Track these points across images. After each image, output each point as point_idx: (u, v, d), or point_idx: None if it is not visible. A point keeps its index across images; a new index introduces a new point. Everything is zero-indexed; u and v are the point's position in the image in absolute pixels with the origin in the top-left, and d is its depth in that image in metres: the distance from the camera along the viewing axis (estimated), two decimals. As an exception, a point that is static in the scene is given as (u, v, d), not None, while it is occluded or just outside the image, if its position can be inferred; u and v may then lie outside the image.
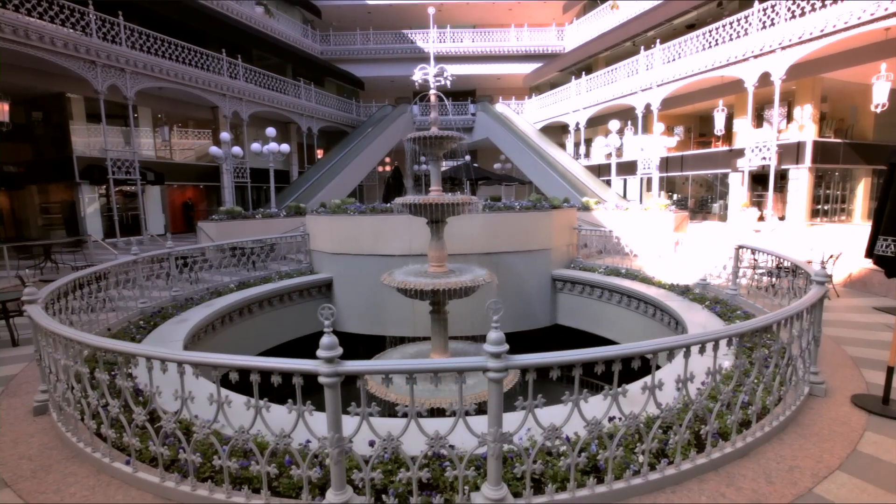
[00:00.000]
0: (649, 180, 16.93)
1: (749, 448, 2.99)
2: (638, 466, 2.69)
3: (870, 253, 3.55)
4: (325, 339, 2.20)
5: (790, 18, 11.95)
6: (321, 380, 2.22)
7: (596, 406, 2.71)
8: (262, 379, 2.38)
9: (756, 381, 3.15)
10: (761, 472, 2.79)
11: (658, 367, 2.62)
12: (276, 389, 2.53)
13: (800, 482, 2.70)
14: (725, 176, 16.91)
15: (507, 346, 2.25)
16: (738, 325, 2.88)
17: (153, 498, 2.66)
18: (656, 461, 2.74)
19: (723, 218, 16.85)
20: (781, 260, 6.05)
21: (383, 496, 2.51)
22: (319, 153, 23.74)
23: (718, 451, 2.87)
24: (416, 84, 6.71)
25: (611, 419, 2.87)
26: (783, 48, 12.09)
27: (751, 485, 2.67)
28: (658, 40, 16.30)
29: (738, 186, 15.49)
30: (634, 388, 3.02)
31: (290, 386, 2.36)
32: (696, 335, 2.69)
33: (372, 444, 2.46)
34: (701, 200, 19.19)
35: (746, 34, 13.10)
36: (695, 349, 2.65)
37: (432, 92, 6.56)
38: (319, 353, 2.20)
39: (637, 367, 2.51)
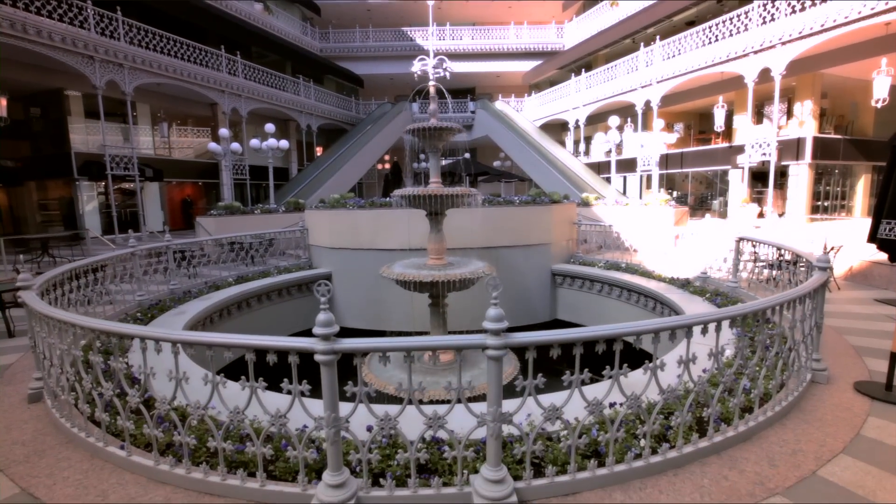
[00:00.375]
0: (649, 177, 16.89)
1: (751, 432, 2.96)
2: (639, 450, 2.65)
3: (872, 237, 3.51)
4: (322, 316, 2.17)
5: (790, 13, 11.92)
6: (317, 357, 2.18)
7: (597, 391, 2.68)
8: (257, 359, 2.35)
9: (758, 366, 3.11)
10: (764, 455, 2.76)
11: (657, 359, 2.58)
12: (271, 380, 2.50)
13: (803, 465, 2.66)
14: (725, 173, 16.90)
15: (506, 324, 2.21)
16: (742, 306, 2.84)
17: (147, 481, 2.62)
18: (658, 445, 2.71)
19: (723, 215, 16.83)
20: (782, 251, 6.01)
21: (381, 480, 2.47)
22: (319, 151, 23.70)
23: (721, 435, 2.84)
24: (416, 75, 6.66)
25: (612, 405, 2.85)
26: (783, 43, 12.06)
27: (754, 468, 2.64)
28: (658, 37, 16.26)
29: (738, 183, 15.47)
30: (636, 373, 2.98)
31: (287, 373, 2.32)
32: (698, 315, 2.65)
33: (370, 429, 2.43)
34: (701, 197, 19.16)
35: (746, 30, 13.06)
36: (697, 329, 2.61)
37: (431, 83, 6.52)
38: (315, 330, 2.16)
39: (639, 349, 2.47)
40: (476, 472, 2.47)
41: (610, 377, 2.45)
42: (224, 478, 2.51)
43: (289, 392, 2.32)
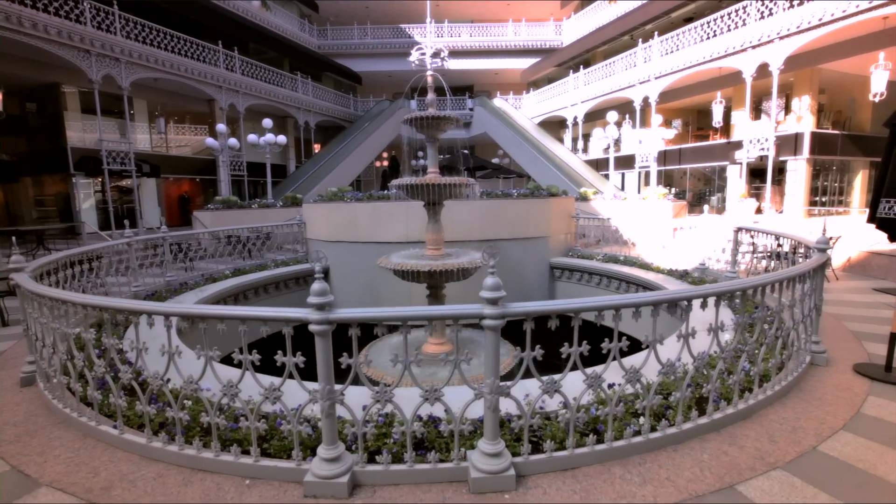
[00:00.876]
0: (647, 174, 16.89)
1: (751, 410, 2.94)
2: (638, 427, 2.63)
3: (872, 217, 3.49)
4: (316, 286, 2.13)
5: (788, 8, 11.92)
6: (312, 328, 2.15)
7: (596, 369, 2.64)
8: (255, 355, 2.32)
9: (757, 346, 3.09)
10: (764, 432, 2.74)
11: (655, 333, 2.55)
12: (266, 366, 2.47)
13: (803, 441, 2.64)
14: (723, 169, 16.90)
15: (503, 293, 2.18)
16: (743, 281, 2.82)
17: (139, 459, 2.58)
18: (657, 423, 2.68)
19: (720, 211, 16.83)
20: (780, 241, 5.99)
21: (377, 457, 2.44)
22: (316, 148, 23.63)
23: (720, 413, 2.82)
24: (413, 64, 6.62)
25: (610, 386, 2.82)
26: (781, 38, 12.06)
27: (753, 444, 2.62)
28: (656, 33, 16.26)
29: (736, 179, 15.46)
30: (636, 355, 2.95)
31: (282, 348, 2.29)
32: (697, 288, 2.63)
33: (365, 408, 2.39)
34: (699, 194, 19.17)
35: (745, 24, 13.06)
36: (696, 303, 2.59)
37: (429, 73, 6.48)
38: (310, 299, 2.13)
39: (639, 318, 2.44)
40: (473, 448, 2.44)
41: (608, 350, 2.41)
42: (217, 454, 2.47)
43: (283, 365, 2.28)
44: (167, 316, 2.40)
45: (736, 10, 13.39)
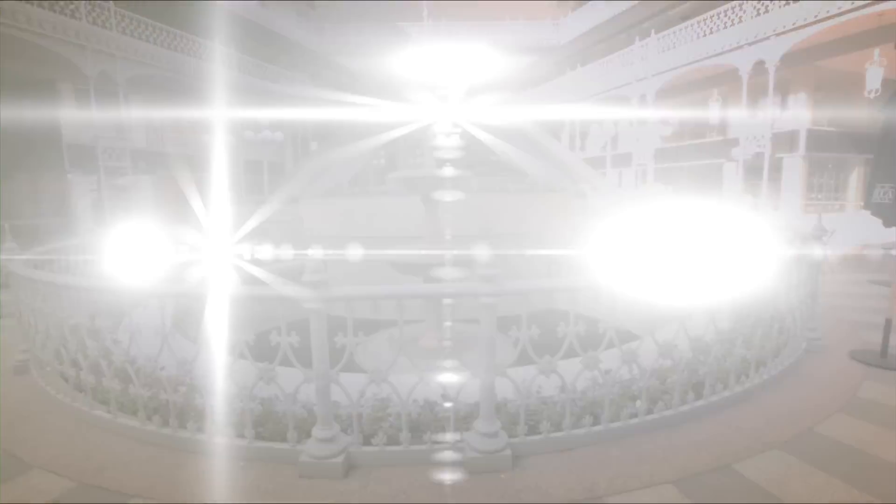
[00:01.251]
0: (644, 172, 16.92)
1: (748, 394, 2.93)
2: (635, 409, 2.62)
3: (868, 203, 3.50)
4: (310, 263, 2.12)
5: (784, 5, 11.96)
6: (306, 305, 2.14)
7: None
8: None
9: (754, 328, 3.08)
10: (760, 414, 2.74)
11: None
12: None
13: (800, 422, 2.64)
14: (720, 167, 16.92)
15: (499, 271, 2.17)
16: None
17: (134, 442, 2.56)
18: (653, 406, 2.67)
19: (718, 208, 16.86)
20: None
21: (372, 440, 2.42)
22: (314, 146, 23.57)
23: (717, 395, 2.81)
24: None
25: (607, 372, 2.80)
26: (777, 35, 12.10)
27: (750, 425, 2.62)
28: (653, 31, 16.29)
29: (733, 176, 15.50)
30: (632, 343, 2.95)
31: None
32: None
33: (360, 391, 2.37)
34: (696, 192, 19.20)
35: (741, 21, 13.10)
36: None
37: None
38: (305, 277, 2.12)
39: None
40: (469, 430, 2.43)
41: (604, 330, 2.41)
42: (211, 437, 2.45)
43: (278, 345, 2.26)
44: (160, 298, 2.39)
45: (732, 8, 13.42)
